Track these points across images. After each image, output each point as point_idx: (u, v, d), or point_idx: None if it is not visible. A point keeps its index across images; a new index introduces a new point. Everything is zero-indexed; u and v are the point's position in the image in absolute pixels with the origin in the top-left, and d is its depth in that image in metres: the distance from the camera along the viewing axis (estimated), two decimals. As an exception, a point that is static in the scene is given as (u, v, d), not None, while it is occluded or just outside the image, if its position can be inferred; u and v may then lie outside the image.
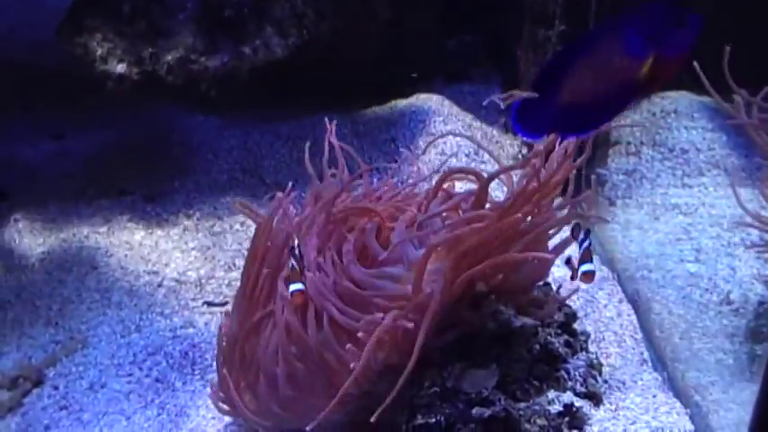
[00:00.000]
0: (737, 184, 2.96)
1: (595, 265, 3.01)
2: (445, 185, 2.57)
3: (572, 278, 2.20)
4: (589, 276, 2.15)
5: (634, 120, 3.67)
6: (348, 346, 2.18)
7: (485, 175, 2.33)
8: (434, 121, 3.75)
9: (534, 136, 2.09)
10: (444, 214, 2.45)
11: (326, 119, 2.64)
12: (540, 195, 2.32)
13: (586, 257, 2.17)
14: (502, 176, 2.44)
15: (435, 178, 2.67)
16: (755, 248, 2.83)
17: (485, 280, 2.26)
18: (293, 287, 2.21)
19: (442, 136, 3.54)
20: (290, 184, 2.58)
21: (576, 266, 2.17)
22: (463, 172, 2.72)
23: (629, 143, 3.60)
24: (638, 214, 3.27)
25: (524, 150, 3.63)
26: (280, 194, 2.52)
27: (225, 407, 2.40)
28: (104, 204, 3.59)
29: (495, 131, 3.81)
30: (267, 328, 2.35)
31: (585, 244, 2.20)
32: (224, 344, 2.42)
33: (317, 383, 2.24)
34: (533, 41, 3.51)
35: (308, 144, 2.55)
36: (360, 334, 2.16)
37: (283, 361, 2.26)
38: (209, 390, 2.61)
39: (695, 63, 2.55)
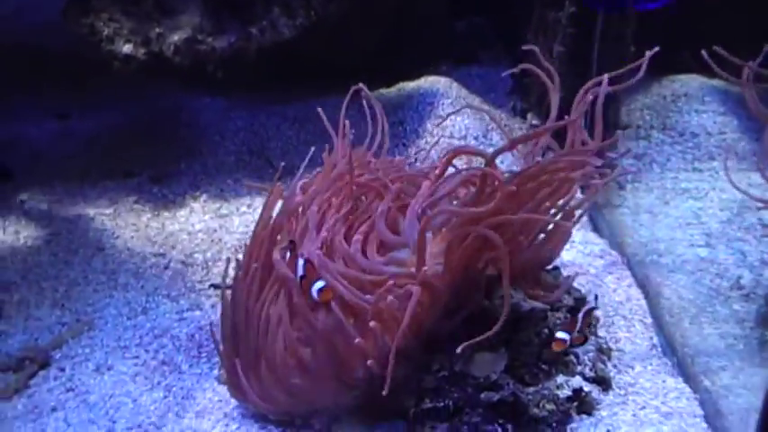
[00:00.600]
0: (748, 168, 2.95)
1: (605, 247, 3.04)
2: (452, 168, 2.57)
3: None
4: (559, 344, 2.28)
5: (644, 103, 3.65)
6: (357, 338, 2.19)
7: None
8: (442, 104, 3.74)
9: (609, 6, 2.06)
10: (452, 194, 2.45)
11: (319, 108, 2.66)
12: (556, 175, 2.31)
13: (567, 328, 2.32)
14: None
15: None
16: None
17: (492, 257, 2.24)
18: (318, 285, 2.22)
19: (455, 112, 3.53)
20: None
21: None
22: (469, 152, 2.72)
23: (638, 126, 3.59)
24: (648, 198, 3.26)
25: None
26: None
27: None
28: (110, 186, 3.58)
29: (503, 114, 3.80)
30: (267, 307, 2.35)
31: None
32: (226, 325, 2.43)
33: (324, 368, 2.23)
34: (543, 24, 3.49)
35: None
36: (371, 323, 2.15)
37: (288, 346, 2.26)
38: (216, 372, 2.62)
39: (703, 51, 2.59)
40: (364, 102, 2.64)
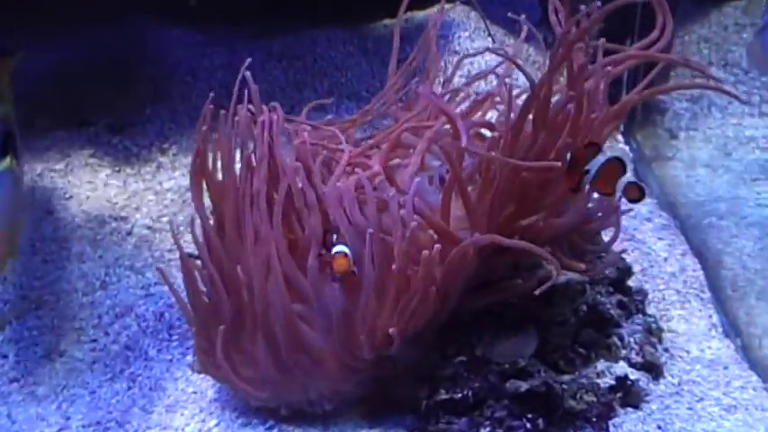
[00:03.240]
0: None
1: (654, 209, 3.03)
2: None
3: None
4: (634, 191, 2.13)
5: (701, 35, 3.63)
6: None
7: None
8: (459, 37, 3.72)
9: None
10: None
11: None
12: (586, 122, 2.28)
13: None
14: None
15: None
16: None
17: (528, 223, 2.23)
18: (337, 248, 2.21)
19: (472, 55, 3.49)
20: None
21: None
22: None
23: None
24: (705, 149, 3.25)
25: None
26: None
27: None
28: (62, 136, 3.56)
29: (531, 49, 3.77)
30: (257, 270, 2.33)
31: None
32: (201, 297, 2.41)
33: (328, 345, 2.23)
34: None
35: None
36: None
37: (285, 318, 2.24)
38: (189, 358, 2.60)
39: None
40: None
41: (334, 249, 2.21)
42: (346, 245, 2.22)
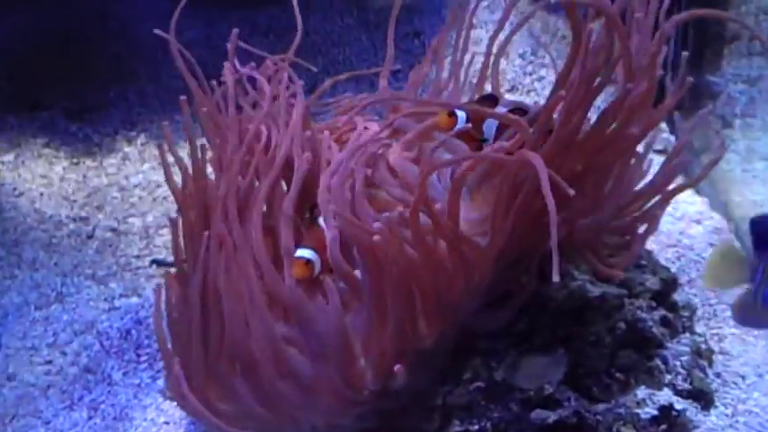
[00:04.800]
0: None
1: (703, 209, 3.03)
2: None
3: None
4: None
5: (760, 6, 3.62)
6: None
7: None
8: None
9: None
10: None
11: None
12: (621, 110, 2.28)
13: None
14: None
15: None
16: None
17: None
18: (299, 252, 2.22)
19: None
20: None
21: None
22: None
23: (751, 40, 3.56)
24: (764, 139, 3.25)
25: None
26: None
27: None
28: (11, 122, 3.58)
29: (560, 23, 3.78)
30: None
31: None
32: (173, 317, 2.41)
33: (322, 373, 2.23)
34: None
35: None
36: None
37: (269, 341, 2.25)
38: (161, 382, 2.61)
39: None
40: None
41: (297, 253, 2.22)
42: (311, 248, 2.23)
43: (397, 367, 2.10)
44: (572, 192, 1.92)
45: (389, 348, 2.13)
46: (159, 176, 3.32)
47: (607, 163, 2.22)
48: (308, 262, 2.21)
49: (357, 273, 2.15)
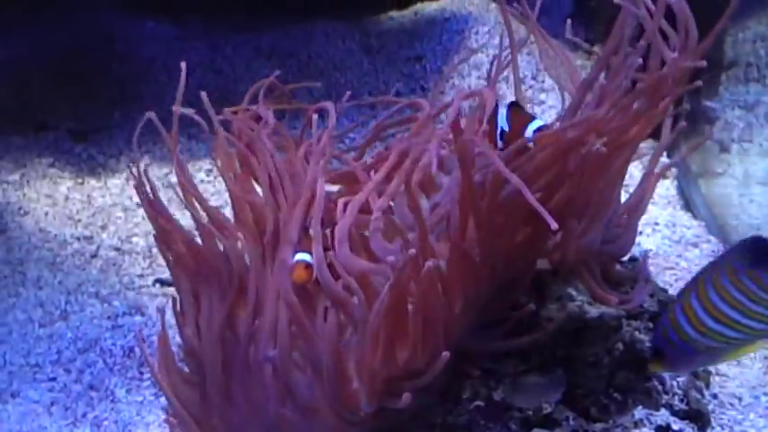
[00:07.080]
0: None
1: (701, 232, 3.04)
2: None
3: None
4: None
5: (758, 32, 3.64)
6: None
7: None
8: (476, 32, 3.74)
9: None
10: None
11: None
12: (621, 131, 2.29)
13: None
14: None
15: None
16: None
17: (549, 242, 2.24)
18: (298, 257, 2.23)
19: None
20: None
21: None
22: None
23: (749, 65, 3.57)
24: (761, 164, 3.25)
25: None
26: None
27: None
28: (16, 143, 3.58)
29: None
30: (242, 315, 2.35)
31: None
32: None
33: (321, 394, 2.23)
34: None
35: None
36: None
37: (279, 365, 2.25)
38: (164, 399, 2.61)
39: None
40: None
41: (296, 257, 2.23)
42: (309, 253, 2.23)
43: (405, 395, 2.08)
44: (555, 225, 1.93)
45: (381, 370, 2.13)
46: (163, 196, 3.31)
47: (598, 187, 2.24)
48: (309, 266, 2.22)
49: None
